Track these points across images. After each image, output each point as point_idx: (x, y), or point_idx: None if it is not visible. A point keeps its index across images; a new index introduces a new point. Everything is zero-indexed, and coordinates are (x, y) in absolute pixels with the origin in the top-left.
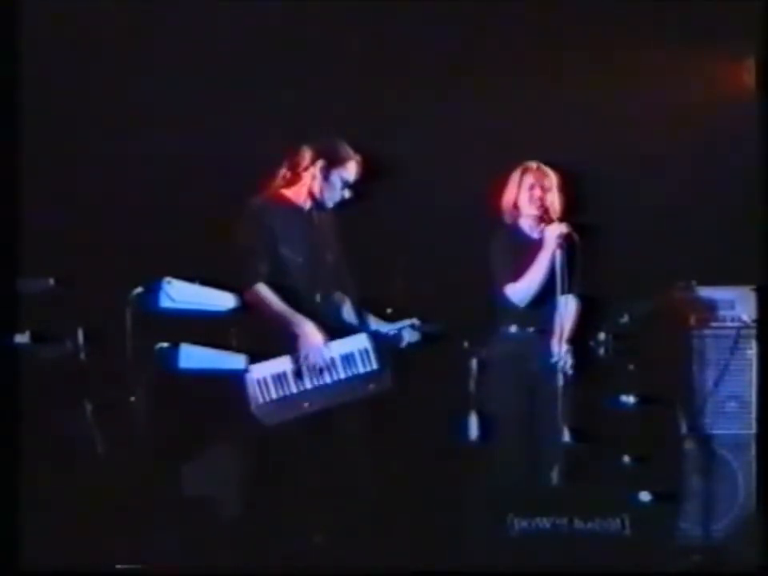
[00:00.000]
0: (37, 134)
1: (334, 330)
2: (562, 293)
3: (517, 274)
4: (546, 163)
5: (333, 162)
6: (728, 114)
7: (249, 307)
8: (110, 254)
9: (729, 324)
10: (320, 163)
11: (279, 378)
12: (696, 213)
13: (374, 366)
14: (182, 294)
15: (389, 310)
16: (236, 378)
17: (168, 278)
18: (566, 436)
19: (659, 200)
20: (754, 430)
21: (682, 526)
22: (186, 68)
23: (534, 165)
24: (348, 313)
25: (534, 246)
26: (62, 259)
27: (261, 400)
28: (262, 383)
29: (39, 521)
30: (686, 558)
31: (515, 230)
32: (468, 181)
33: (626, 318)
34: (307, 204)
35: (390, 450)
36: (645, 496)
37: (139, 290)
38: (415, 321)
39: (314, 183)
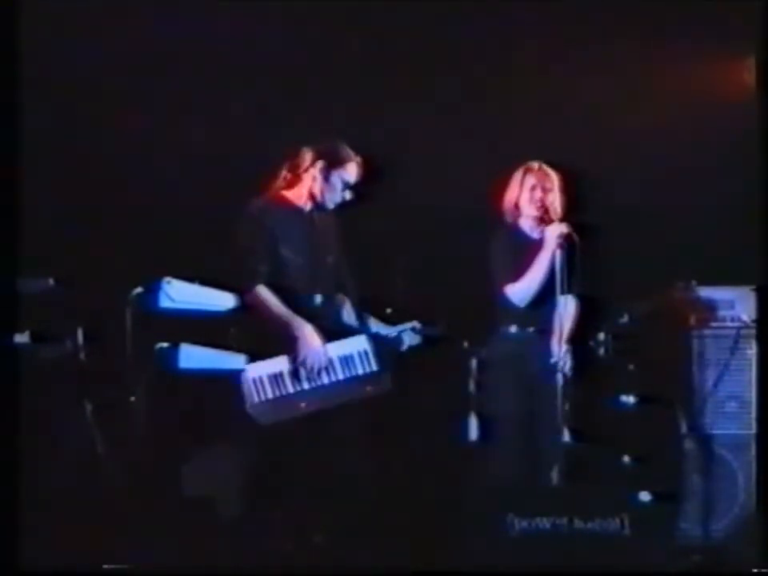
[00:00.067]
0: (37, 133)
1: (334, 331)
2: (562, 293)
3: (517, 274)
4: (547, 163)
5: (333, 163)
6: (728, 114)
7: (249, 309)
8: (110, 254)
9: (729, 324)
10: (320, 164)
11: (276, 378)
12: (696, 213)
13: (373, 367)
14: (181, 294)
15: (388, 310)
16: (236, 378)
17: (168, 278)
18: (566, 436)
19: (659, 200)
20: (753, 430)
21: (682, 526)
22: (187, 69)
23: (536, 165)
24: (348, 314)
25: (534, 247)
26: (61, 259)
27: (256, 399)
28: (258, 382)
29: (39, 521)
30: (685, 558)
31: (515, 231)
32: (468, 181)
33: (625, 318)
34: (307, 205)
35: (390, 449)
36: (645, 496)
37: (139, 290)
38: (416, 324)
39: (315, 184)
